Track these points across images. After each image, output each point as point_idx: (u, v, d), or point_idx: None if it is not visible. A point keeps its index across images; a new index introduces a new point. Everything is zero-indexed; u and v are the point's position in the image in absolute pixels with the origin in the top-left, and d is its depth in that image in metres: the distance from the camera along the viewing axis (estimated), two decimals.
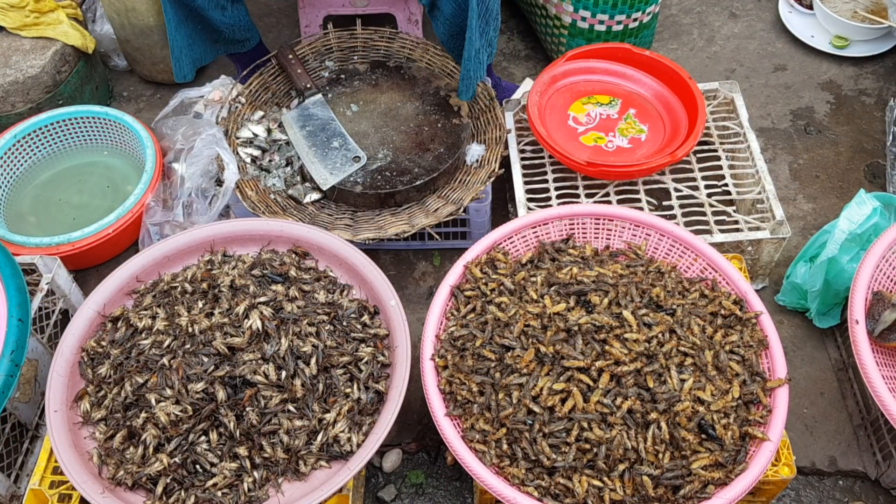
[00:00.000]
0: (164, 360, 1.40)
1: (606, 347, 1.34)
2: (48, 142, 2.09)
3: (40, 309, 1.64)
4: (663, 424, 1.29)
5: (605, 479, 1.28)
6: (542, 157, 1.92)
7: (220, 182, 1.88)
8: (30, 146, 2.07)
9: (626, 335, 1.35)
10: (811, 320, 1.79)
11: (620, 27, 2.18)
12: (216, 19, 1.89)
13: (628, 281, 1.46)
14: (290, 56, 2.02)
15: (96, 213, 1.98)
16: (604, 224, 1.63)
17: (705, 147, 1.93)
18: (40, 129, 2.06)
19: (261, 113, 1.98)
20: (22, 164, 2.07)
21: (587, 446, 1.29)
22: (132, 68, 2.40)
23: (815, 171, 2.11)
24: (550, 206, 1.79)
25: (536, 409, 1.31)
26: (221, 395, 1.36)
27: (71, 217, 2.02)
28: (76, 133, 2.12)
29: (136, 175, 2.05)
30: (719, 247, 1.71)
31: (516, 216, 1.78)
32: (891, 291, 1.53)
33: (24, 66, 2.09)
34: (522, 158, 1.91)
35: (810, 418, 1.67)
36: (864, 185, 2.07)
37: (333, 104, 1.96)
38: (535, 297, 1.44)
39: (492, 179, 1.81)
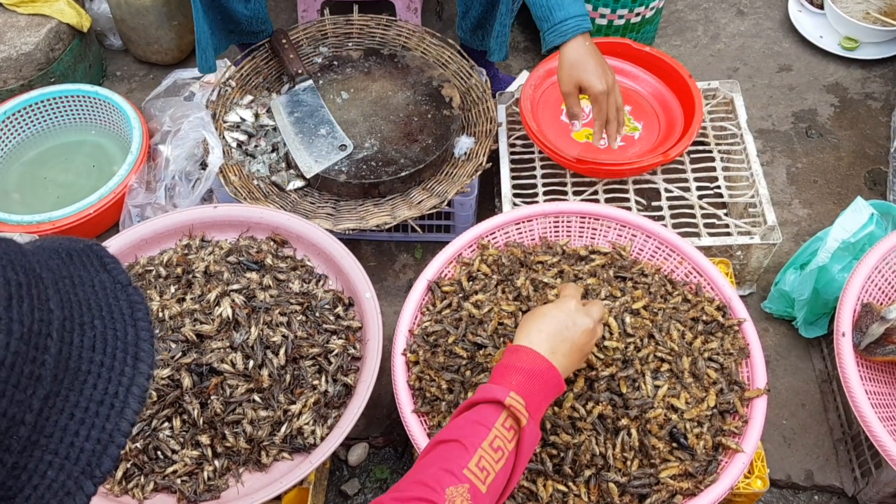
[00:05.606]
0: None
1: None
2: (37, 120, 2.08)
3: None
4: (633, 431, 1.26)
5: (571, 484, 1.25)
6: (532, 153, 1.88)
7: (204, 166, 1.86)
8: (18, 124, 2.06)
9: (605, 342, 1.31)
10: (797, 329, 1.74)
11: (622, 21, 2.14)
12: (238, 11, 1.87)
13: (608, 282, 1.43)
14: (284, 41, 1.99)
15: (81, 192, 1.96)
16: (589, 223, 1.59)
17: (700, 147, 1.88)
18: (29, 106, 2.04)
19: (250, 97, 1.95)
20: (10, 142, 2.06)
21: (554, 451, 1.26)
22: (127, 48, 2.38)
23: (814, 176, 2.05)
24: (536, 202, 1.75)
25: None
26: (187, 382, 1.34)
27: (55, 195, 2.01)
28: (65, 111, 2.10)
29: (123, 155, 2.03)
30: (707, 251, 1.67)
31: (502, 211, 1.75)
32: (881, 304, 1.48)
33: (19, 43, 2.08)
34: (512, 153, 1.87)
35: (789, 430, 1.63)
36: (863, 191, 2.01)
37: (324, 91, 1.93)
38: (514, 290, 1.41)
39: (478, 173, 1.77)
